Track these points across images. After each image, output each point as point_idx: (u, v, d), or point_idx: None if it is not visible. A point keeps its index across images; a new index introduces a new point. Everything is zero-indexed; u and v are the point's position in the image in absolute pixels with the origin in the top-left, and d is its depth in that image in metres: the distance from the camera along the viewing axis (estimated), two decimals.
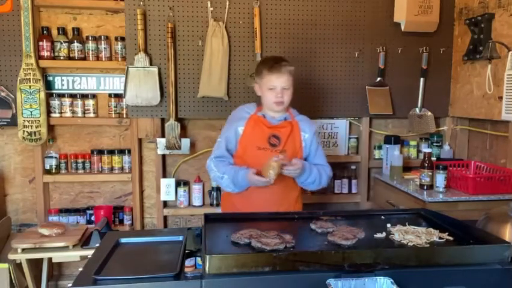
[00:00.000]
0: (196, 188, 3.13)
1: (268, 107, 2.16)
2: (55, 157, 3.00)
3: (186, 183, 3.14)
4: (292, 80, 2.12)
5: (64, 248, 2.49)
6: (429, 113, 3.20)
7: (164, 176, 3.13)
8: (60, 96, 2.98)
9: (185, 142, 3.00)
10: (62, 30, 2.94)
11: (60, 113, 2.98)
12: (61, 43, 2.91)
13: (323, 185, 2.18)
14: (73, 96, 3.00)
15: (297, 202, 2.25)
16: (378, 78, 3.15)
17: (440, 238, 1.53)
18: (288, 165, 1.98)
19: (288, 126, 2.15)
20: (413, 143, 3.35)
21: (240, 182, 2.05)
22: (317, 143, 2.22)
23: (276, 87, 2.08)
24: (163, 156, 3.11)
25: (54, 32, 2.96)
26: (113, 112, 3.04)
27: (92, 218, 3.03)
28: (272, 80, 2.07)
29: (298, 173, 2.03)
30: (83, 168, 3.05)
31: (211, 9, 2.92)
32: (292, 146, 2.14)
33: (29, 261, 2.51)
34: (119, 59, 2.99)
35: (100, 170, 3.07)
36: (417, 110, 3.21)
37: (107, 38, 2.98)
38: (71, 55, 2.94)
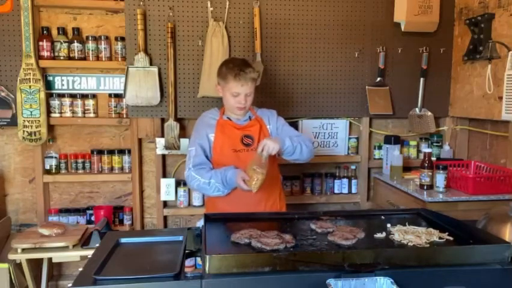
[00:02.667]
0: None
1: (230, 110, 2.20)
2: (55, 157, 3.00)
3: (186, 183, 3.13)
4: (254, 85, 2.16)
5: (64, 248, 2.49)
6: (429, 113, 3.20)
7: (164, 176, 3.13)
8: (61, 96, 2.98)
9: (184, 142, 2.99)
10: (62, 30, 2.94)
11: (61, 113, 2.98)
12: (61, 43, 2.91)
13: (311, 148, 2.15)
14: (73, 96, 3.00)
15: (280, 197, 2.28)
16: (378, 78, 3.15)
17: (440, 238, 1.53)
18: (263, 146, 1.95)
19: (257, 124, 2.20)
20: (413, 143, 3.35)
21: (229, 182, 2.04)
22: (282, 125, 2.26)
23: (239, 94, 2.11)
24: (163, 156, 3.11)
25: (54, 32, 2.96)
26: (113, 112, 3.04)
27: (92, 218, 3.03)
28: (237, 87, 2.10)
29: (278, 144, 1.98)
30: (83, 168, 3.05)
31: (211, 9, 2.92)
32: None
33: (29, 261, 2.51)
34: (119, 59, 2.98)
35: (100, 170, 3.07)
36: (417, 110, 3.21)
37: (107, 38, 2.98)
38: (71, 55, 2.94)
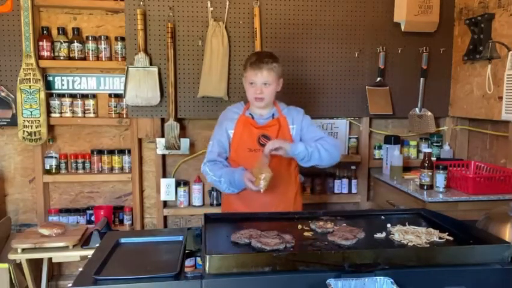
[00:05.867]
0: (196, 188, 3.13)
1: (251, 103, 2.17)
2: (55, 157, 3.00)
3: (186, 183, 3.14)
4: (274, 76, 2.09)
5: (64, 248, 2.49)
6: (429, 113, 3.20)
7: (164, 176, 3.13)
8: (60, 96, 2.98)
9: (185, 142, 3.00)
10: (62, 30, 2.94)
11: (60, 113, 2.98)
12: (61, 43, 2.91)
13: (332, 152, 2.04)
14: (73, 96, 3.00)
15: (295, 201, 2.23)
16: (378, 78, 3.15)
17: (440, 238, 1.53)
18: (268, 147, 1.93)
19: (276, 124, 2.14)
20: (413, 143, 3.35)
21: (237, 184, 2.03)
22: (307, 125, 2.18)
23: (256, 83, 2.08)
24: (163, 156, 3.11)
25: (54, 32, 2.96)
26: (113, 112, 3.04)
27: (92, 218, 3.03)
28: (252, 75, 2.08)
29: (284, 148, 1.94)
30: (83, 168, 3.05)
31: (211, 9, 2.93)
32: None
33: (29, 261, 2.51)
34: (119, 59, 2.99)
35: (100, 170, 3.07)
36: (417, 110, 3.21)
37: (107, 38, 2.98)
38: (71, 55, 2.94)
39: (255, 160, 2.00)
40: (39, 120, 2.88)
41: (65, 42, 2.92)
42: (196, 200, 3.13)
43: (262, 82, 2.07)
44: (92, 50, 2.94)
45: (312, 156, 2.01)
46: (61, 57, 2.92)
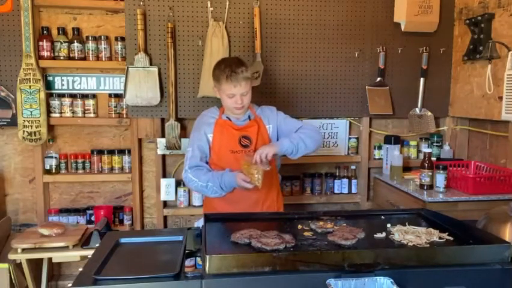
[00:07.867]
0: None
1: (229, 110, 2.18)
2: (55, 157, 3.00)
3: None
4: (249, 83, 2.12)
5: (64, 248, 2.49)
6: (429, 113, 3.20)
7: (164, 176, 3.13)
8: (61, 96, 2.98)
9: (185, 142, 2.99)
10: (62, 30, 2.94)
11: (61, 113, 2.98)
12: (61, 43, 2.91)
13: (315, 137, 2.12)
14: (73, 96, 3.00)
15: (278, 199, 2.27)
16: (378, 78, 3.15)
17: (440, 238, 1.53)
18: (257, 158, 1.95)
19: (255, 125, 2.17)
20: (413, 143, 3.35)
21: (228, 186, 2.05)
22: (283, 119, 2.23)
23: (235, 94, 2.08)
24: (163, 156, 3.11)
25: (54, 32, 2.96)
26: (113, 112, 3.04)
27: (92, 218, 3.03)
28: (230, 88, 2.07)
29: (274, 147, 1.99)
30: (83, 168, 3.05)
31: (211, 9, 2.93)
32: (262, 143, 2.15)
33: (29, 261, 2.51)
34: (119, 59, 2.98)
35: (100, 170, 3.07)
36: (417, 110, 3.21)
37: (107, 38, 2.98)
38: (71, 55, 2.94)
39: (237, 161, 2.03)
40: (39, 120, 2.88)
41: (65, 42, 2.92)
42: (196, 200, 3.13)
43: (241, 93, 2.09)
44: (92, 50, 2.94)
45: (299, 147, 2.06)
46: (61, 57, 2.92)
